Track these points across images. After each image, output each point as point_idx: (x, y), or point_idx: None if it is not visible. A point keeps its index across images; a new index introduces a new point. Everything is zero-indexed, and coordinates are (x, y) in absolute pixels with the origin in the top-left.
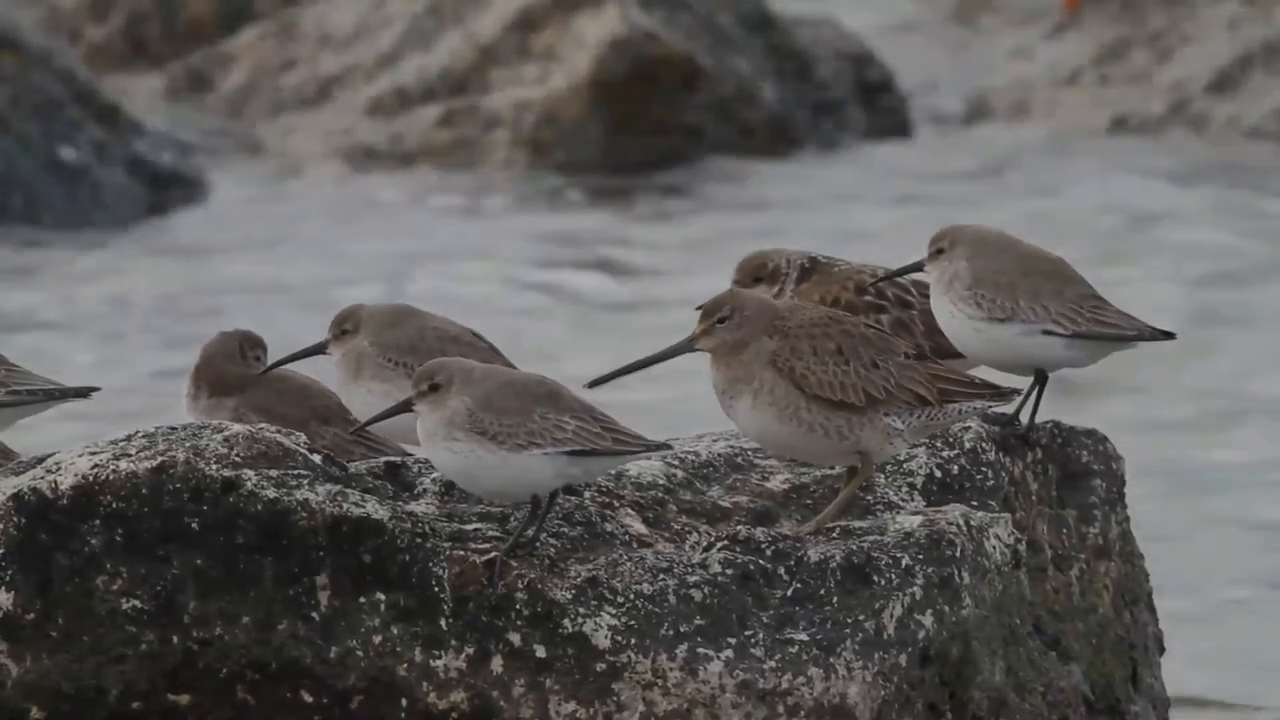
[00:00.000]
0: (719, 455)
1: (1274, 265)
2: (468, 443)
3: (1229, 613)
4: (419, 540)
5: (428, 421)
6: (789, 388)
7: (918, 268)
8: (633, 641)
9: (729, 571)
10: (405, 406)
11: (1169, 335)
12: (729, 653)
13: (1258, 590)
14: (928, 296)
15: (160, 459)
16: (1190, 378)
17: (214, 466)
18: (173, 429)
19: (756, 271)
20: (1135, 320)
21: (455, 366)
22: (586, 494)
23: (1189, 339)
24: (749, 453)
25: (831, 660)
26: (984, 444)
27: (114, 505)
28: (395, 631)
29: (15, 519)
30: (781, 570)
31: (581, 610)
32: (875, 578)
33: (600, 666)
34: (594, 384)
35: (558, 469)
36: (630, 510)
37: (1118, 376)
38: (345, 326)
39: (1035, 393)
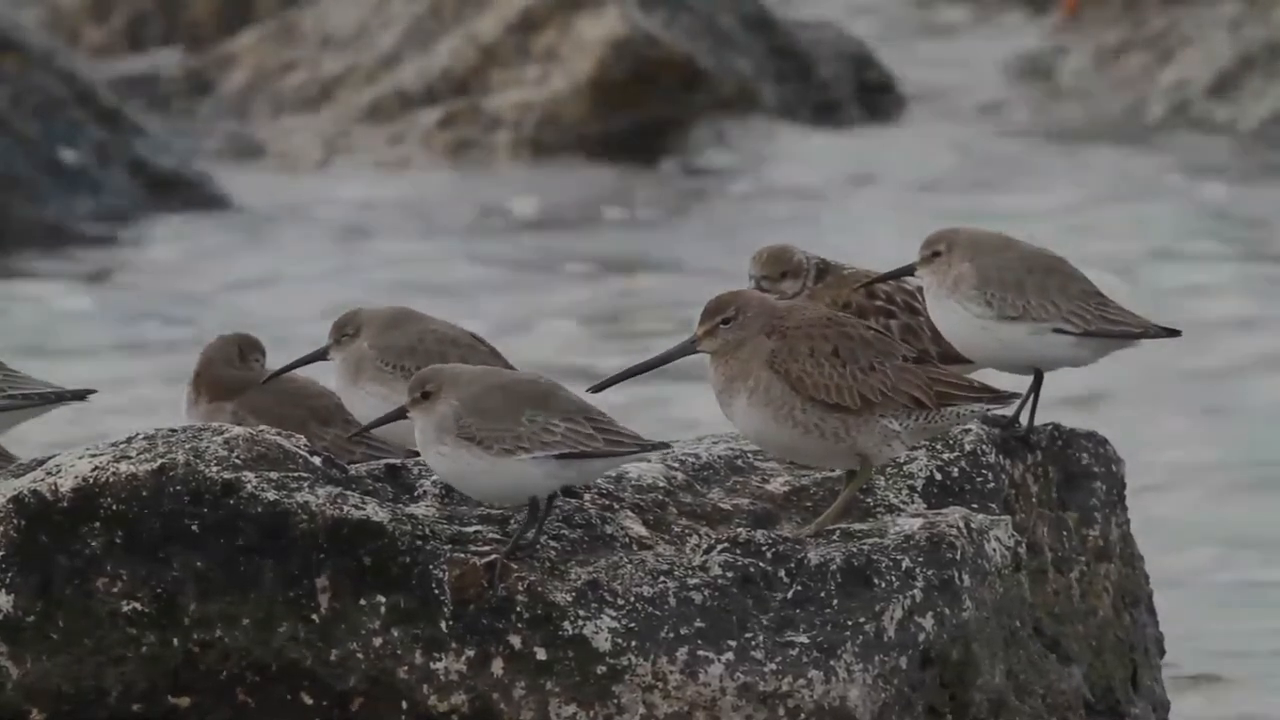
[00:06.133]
0: (719, 457)
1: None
2: (455, 448)
3: None
4: (419, 542)
5: (421, 428)
6: (785, 388)
7: (909, 271)
8: (633, 644)
9: (729, 574)
10: (401, 414)
11: (1174, 333)
12: (729, 655)
13: None
14: None
15: (160, 461)
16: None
17: (214, 469)
18: (173, 431)
19: (784, 265)
20: (1140, 318)
21: (446, 372)
22: (586, 496)
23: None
24: (749, 455)
25: (832, 663)
26: (984, 446)
27: (114, 507)
28: (395, 634)
29: (15, 521)
30: (782, 573)
31: (582, 613)
32: (875, 580)
33: (601, 669)
34: (597, 388)
35: (548, 472)
36: (630, 513)
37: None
38: (346, 330)
39: (1033, 394)
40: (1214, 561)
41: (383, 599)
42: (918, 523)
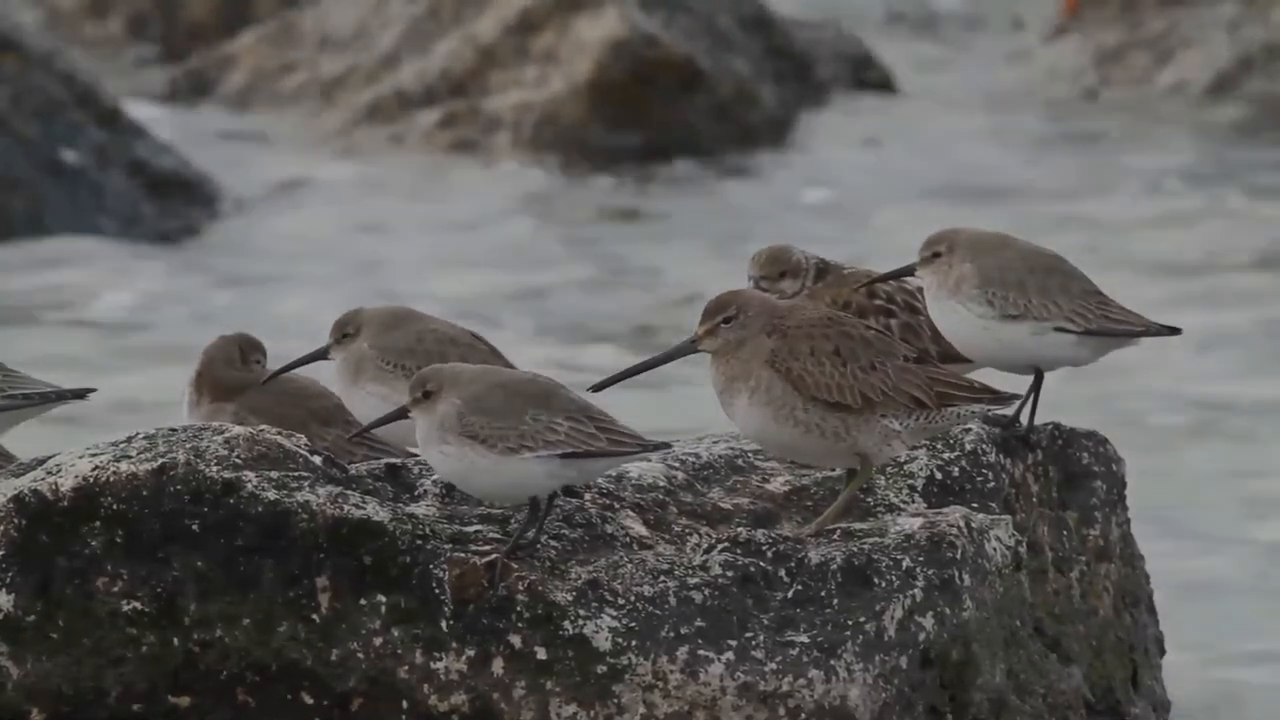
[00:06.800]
0: (719, 457)
1: (1272, 265)
2: (458, 446)
3: None
4: (419, 542)
5: (422, 427)
6: (786, 387)
7: (909, 271)
8: (633, 643)
9: (730, 573)
10: (402, 414)
11: (1175, 330)
12: (730, 655)
13: None
14: None
15: (161, 461)
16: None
17: (214, 468)
18: (173, 430)
19: (783, 265)
20: (1141, 317)
21: (447, 372)
22: (587, 496)
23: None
24: (749, 454)
25: (832, 662)
26: (984, 446)
27: (114, 507)
28: (396, 633)
29: (16, 521)
30: (782, 572)
31: (582, 612)
32: (876, 580)
33: (601, 668)
34: (597, 388)
35: (551, 471)
36: (631, 512)
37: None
38: (347, 330)
39: (1033, 394)
40: None
41: (383, 599)
42: (918, 522)
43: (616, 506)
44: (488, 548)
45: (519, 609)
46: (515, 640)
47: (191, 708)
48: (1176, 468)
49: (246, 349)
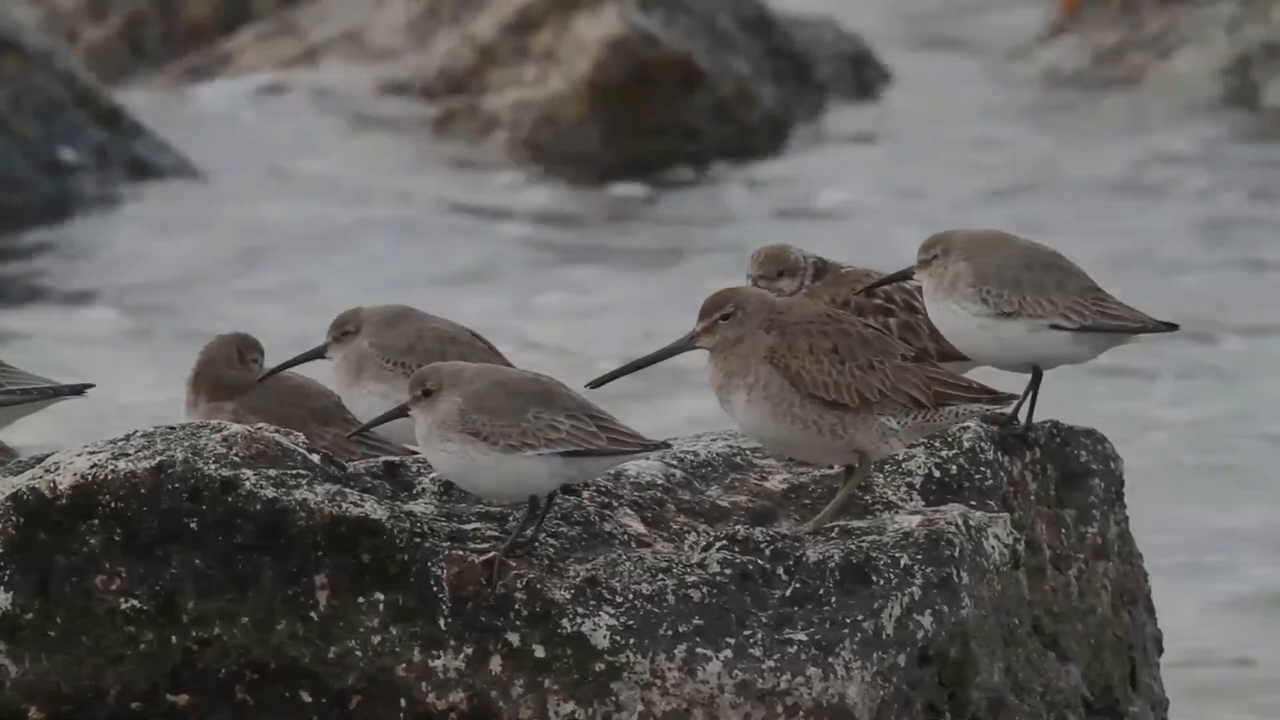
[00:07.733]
0: (717, 455)
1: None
2: (460, 444)
3: None
4: (418, 540)
5: (422, 425)
6: (784, 384)
7: (907, 275)
8: (631, 641)
9: (728, 571)
10: (401, 412)
11: (1172, 326)
12: (728, 653)
13: None
14: None
15: (159, 459)
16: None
17: (213, 466)
18: (171, 429)
19: (781, 264)
20: (1138, 312)
21: (446, 370)
22: (585, 494)
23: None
24: (747, 452)
25: (830, 660)
26: (982, 444)
27: (113, 505)
28: (394, 631)
29: (14, 519)
30: (780, 570)
31: (580, 610)
32: (874, 578)
33: (599, 666)
34: (595, 384)
35: (552, 469)
36: (629, 510)
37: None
38: (347, 328)
39: (1032, 392)
40: None
41: (381, 596)
42: (916, 520)
43: (614, 504)
44: (486, 546)
45: (517, 607)
46: (513, 638)
47: (190, 706)
48: (1176, 466)
49: (244, 348)
